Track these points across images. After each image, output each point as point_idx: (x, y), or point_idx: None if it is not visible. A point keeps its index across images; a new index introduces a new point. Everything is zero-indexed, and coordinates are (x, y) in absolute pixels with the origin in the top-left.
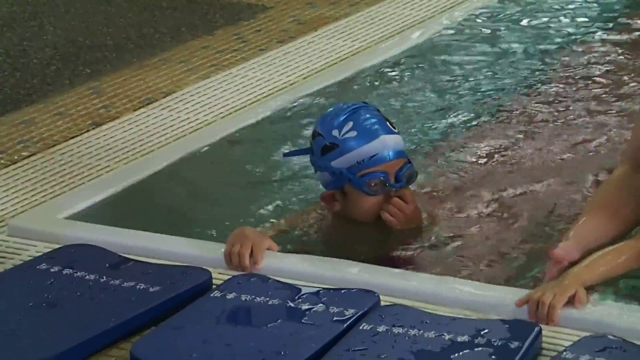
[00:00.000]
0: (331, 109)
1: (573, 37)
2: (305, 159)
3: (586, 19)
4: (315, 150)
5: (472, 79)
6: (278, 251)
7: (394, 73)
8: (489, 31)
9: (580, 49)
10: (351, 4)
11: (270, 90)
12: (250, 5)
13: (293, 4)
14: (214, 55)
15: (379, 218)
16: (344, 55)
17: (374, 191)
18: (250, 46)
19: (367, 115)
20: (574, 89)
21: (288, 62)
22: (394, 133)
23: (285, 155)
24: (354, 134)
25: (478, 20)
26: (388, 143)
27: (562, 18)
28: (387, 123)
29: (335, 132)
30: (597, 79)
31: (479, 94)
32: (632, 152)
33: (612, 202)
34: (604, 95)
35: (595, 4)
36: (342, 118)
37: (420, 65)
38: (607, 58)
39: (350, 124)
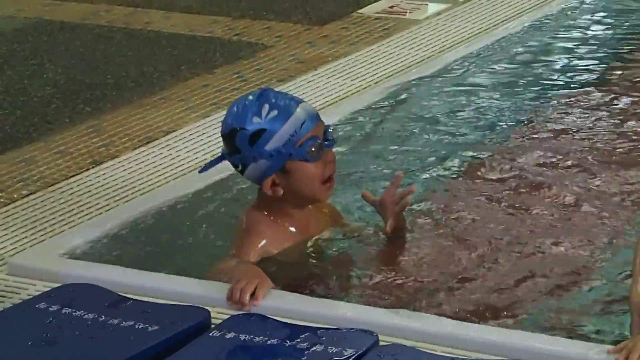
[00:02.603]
0: (233, 107)
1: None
2: None
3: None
4: (241, 144)
5: (473, 118)
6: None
7: (392, 112)
8: (489, 70)
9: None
10: (351, 43)
11: None
12: (250, 44)
13: (293, 43)
14: (214, 94)
15: (323, 189)
16: (343, 94)
17: (315, 156)
18: (250, 85)
19: (275, 94)
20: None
21: None
22: (303, 101)
23: (200, 171)
24: (275, 112)
25: (476, 61)
26: (308, 109)
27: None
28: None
29: (256, 119)
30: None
31: (482, 131)
32: None
33: None
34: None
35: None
36: (255, 106)
37: (420, 104)
38: None
39: (267, 106)
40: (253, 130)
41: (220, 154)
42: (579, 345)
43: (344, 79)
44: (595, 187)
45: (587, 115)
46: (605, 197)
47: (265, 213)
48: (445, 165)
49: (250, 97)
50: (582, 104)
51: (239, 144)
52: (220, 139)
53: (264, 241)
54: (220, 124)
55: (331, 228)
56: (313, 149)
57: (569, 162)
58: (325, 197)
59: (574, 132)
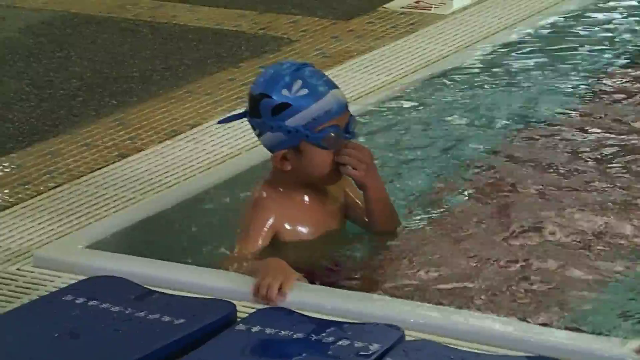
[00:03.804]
0: (268, 71)
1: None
2: None
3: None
4: (264, 111)
5: (498, 112)
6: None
7: (417, 106)
8: (512, 65)
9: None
10: (376, 38)
11: None
12: (275, 38)
13: (318, 37)
14: (239, 88)
15: (332, 175)
16: (369, 89)
17: (330, 145)
18: None
19: (312, 72)
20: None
21: None
22: (337, 87)
23: (220, 122)
24: (305, 91)
25: (502, 56)
26: (338, 97)
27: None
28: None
29: (285, 92)
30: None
31: (507, 125)
32: None
33: None
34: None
35: None
36: (288, 78)
37: (444, 98)
38: None
39: (300, 82)
40: (279, 102)
41: (243, 111)
42: (604, 341)
43: (369, 74)
44: (617, 182)
45: (622, 105)
46: (628, 193)
47: (276, 186)
48: (468, 159)
49: (287, 68)
50: (613, 94)
51: (262, 110)
52: (245, 132)
53: (272, 217)
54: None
55: (349, 217)
56: (330, 138)
57: (597, 154)
58: (331, 184)
59: (606, 123)
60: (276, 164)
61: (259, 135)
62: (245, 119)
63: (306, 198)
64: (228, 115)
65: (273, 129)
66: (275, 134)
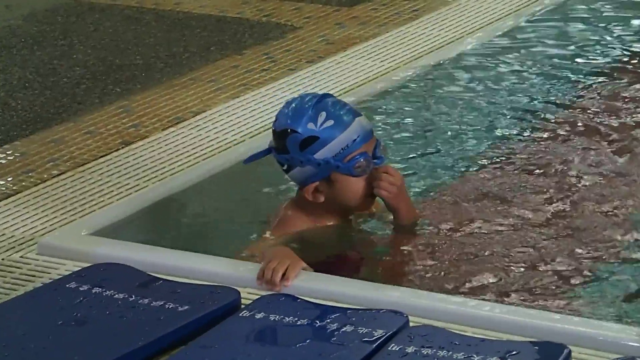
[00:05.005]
0: (290, 105)
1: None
2: None
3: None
4: (291, 147)
5: (502, 100)
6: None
7: (421, 93)
8: (514, 52)
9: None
10: (380, 24)
11: None
12: (279, 25)
13: (322, 24)
14: (243, 75)
15: (365, 201)
16: (372, 76)
17: (361, 173)
18: (280, 66)
19: (334, 102)
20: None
21: (317, 82)
22: (360, 114)
23: (246, 162)
24: (331, 122)
25: (507, 41)
26: (363, 124)
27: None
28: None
29: (311, 125)
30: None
31: (512, 113)
32: None
33: None
34: None
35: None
36: (311, 111)
37: (447, 85)
38: None
39: (324, 113)
40: (306, 136)
41: (267, 147)
42: (611, 327)
43: (373, 61)
44: (622, 170)
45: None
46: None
47: (303, 211)
48: (471, 148)
49: (309, 101)
50: (619, 87)
51: (289, 145)
52: (248, 119)
53: (294, 231)
54: (249, 104)
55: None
56: (361, 166)
57: (600, 146)
58: (365, 211)
59: (610, 114)
60: (308, 197)
61: (287, 171)
62: (272, 153)
63: (332, 219)
64: (252, 154)
65: (303, 164)
66: (305, 168)
